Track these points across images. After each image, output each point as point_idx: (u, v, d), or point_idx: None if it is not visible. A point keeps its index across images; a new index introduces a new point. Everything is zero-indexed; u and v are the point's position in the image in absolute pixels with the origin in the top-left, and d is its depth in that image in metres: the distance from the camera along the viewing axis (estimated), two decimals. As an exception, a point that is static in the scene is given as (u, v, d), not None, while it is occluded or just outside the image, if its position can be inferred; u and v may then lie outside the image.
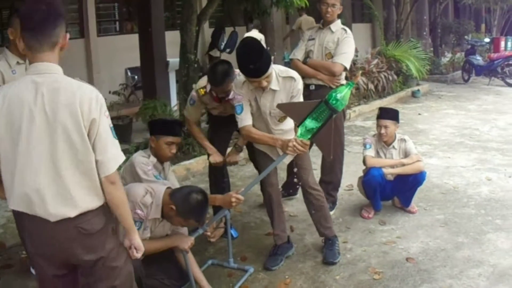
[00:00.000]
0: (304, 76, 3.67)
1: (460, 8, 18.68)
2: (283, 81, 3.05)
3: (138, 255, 2.01)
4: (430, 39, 13.90)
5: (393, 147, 3.99)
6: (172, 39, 6.51)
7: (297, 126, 2.74)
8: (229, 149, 3.79)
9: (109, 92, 6.68)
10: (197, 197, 2.54)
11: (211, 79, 3.26)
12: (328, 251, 3.35)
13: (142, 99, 6.86)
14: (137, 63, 7.19)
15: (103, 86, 8.45)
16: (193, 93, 3.48)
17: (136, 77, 8.87)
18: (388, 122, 3.91)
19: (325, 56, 3.87)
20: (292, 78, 3.05)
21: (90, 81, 8.70)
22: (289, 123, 3.22)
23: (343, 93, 2.63)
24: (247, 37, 3.27)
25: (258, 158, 3.37)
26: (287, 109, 2.90)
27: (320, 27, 3.96)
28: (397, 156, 3.99)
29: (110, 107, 6.34)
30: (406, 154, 3.97)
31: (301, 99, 3.14)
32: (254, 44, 2.96)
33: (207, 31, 10.73)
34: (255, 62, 2.80)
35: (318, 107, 2.66)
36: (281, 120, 3.16)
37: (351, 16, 12.17)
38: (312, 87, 3.89)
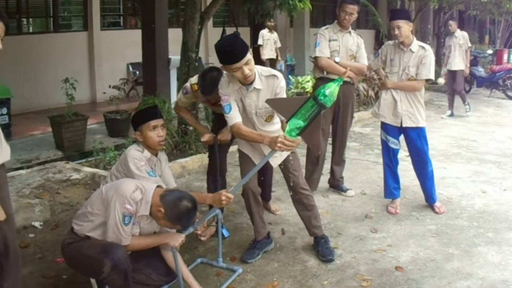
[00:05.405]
0: (334, 73, 4.19)
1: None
2: (266, 80, 3.10)
3: None
4: (434, 49, 13.91)
5: (411, 50, 4.01)
6: (175, 36, 6.52)
7: (285, 122, 2.74)
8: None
9: (109, 86, 6.67)
10: (187, 205, 2.51)
11: (201, 87, 3.35)
12: (324, 249, 3.40)
13: (142, 94, 6.86)
14: (139, 58, 7.20)
15: (104, 79, 8.48)
16: (188, 85, 3.61)
17: (137, 72, 8.90)
18: (400, 22, 3.94)
19: (348, 57, 4.34)
20: (274, 76, 3.11)
21: (91, 73, 8.73)
22: (276, 123, 3.26)
23: (332, 89, 2.62)
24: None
25: (241, 160, 3.40)
26: (276, 104, 2.90)
27: (340, 30, 4.33)
28: (413, 61, 3.99)
29: (110, 101, 6.39)
30: (420, 62, 3.95)
31: (284, 96, 3.20)
32: (229, 35, 3.16)
33: (211, 30, 10.77)
34: (230, 44, 2.88)
35: (307, 103, 2.65)
36: (268, 120, 3.20)
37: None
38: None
